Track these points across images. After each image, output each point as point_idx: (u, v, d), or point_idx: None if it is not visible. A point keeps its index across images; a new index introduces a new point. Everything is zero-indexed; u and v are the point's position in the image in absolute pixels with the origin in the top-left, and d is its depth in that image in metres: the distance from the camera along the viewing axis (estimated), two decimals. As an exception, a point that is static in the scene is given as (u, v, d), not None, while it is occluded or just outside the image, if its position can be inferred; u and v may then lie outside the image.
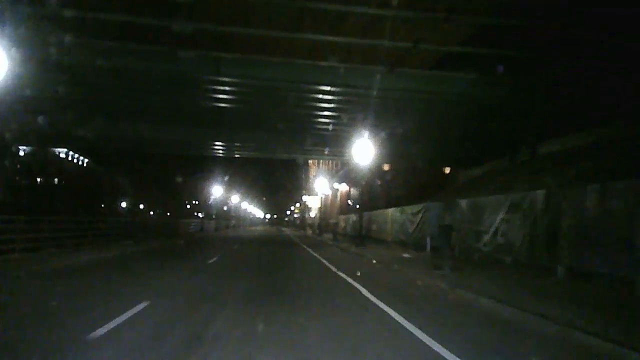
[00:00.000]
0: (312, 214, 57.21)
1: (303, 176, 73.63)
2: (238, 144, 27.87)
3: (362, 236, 21.72)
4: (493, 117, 19.51)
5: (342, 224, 39.90)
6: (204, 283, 9.54)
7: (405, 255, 16.04)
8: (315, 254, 18.02)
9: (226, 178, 52.37)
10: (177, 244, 22.99)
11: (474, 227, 13.17)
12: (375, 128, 20.44)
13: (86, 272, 11.23)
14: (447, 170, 34.90)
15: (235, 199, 74.52)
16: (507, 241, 11.37)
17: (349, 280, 10.24)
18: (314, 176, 68.29)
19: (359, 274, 11.26)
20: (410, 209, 19.81)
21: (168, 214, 62.58)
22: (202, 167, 52.34)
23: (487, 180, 20.00)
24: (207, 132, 25.05)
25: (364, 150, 20.56)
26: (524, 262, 10.55)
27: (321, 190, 45.26)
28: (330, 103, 20.18)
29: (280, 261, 15.50)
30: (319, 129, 24.13)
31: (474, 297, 7.59)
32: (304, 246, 23.80)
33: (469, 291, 7.96)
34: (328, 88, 18.11)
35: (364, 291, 8.57)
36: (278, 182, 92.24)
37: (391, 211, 22.63)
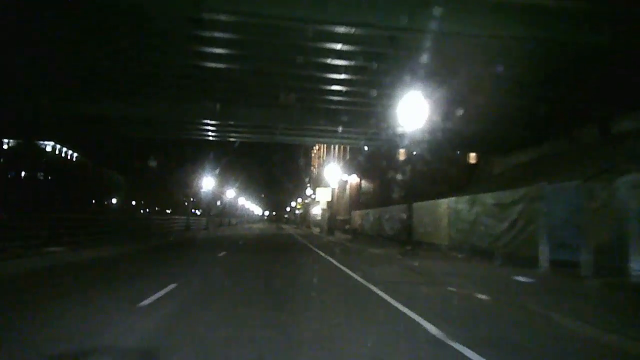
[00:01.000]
0: (319, 210, 49.96)
1: (304, 168, 66.92)
2: (232, 123, 21.16)
3: (412, 241, 14.50)
4: (569, 79, 13.37)
5: (357, 220, 32.85)
6: None
7: (519, 278, 8.89)
8: (350, 272, 10.84)
9: (217, 170, 45.28)
10: (136, 251, 15.70)
11: None
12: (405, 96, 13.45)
13: None
14: (474, 158, 27.99)
15: (231, 193, 67.74)
16: None
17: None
18: (316, 168, 61.30)
19: (500, 351, 4.19)
20: (491, 198, 12.69)
21: (164, 210, 56.84)
22: (196, 158, 45.61)
23: (544, 168, 14.73)
24: (191, 108, 18.47)
25: (414, 108, 13.41)
26: None
27: (332, 179, 37.94)
28: (351, 59, 13.33)
29: (297, 296, 8.11)
30: (332, 100, 17.35)
31: None
32: (321, 253, 16.63)
33: None
34: (349, 30, 11.25)
35: None
36: (277, 177, 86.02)
37: (449, 202, 15.48)
